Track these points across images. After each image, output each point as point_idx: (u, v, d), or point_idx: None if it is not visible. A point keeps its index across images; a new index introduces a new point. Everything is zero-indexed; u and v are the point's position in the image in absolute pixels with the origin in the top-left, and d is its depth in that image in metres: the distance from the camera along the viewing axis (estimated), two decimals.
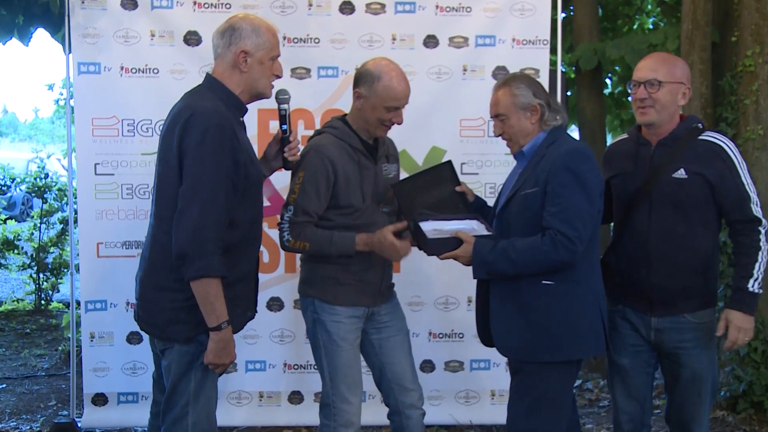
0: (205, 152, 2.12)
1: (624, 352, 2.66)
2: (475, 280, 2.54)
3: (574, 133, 5.68)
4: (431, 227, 2.53)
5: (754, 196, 2.48)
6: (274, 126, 3.61)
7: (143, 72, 3.61)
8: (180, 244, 2.12)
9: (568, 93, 5.36)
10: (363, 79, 2.59)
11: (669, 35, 4.45)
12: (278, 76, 2.39)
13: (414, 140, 3.68)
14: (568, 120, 4.94)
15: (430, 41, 3.66)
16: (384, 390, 2.80)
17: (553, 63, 3.96)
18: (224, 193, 2.15)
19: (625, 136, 2.76)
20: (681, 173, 2.47)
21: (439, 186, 2.67)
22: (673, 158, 2.48)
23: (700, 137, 2.50)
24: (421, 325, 3.77)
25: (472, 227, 2.56)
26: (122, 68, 3.60)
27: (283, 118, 2.47)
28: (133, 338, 3.71)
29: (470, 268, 2.46)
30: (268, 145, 2.60)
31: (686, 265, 2.49)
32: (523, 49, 3.66)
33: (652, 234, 2.50)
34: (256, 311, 2.52)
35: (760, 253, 2.46)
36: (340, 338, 2.65)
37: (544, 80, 3.66)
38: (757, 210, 2.47)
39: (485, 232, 2.51)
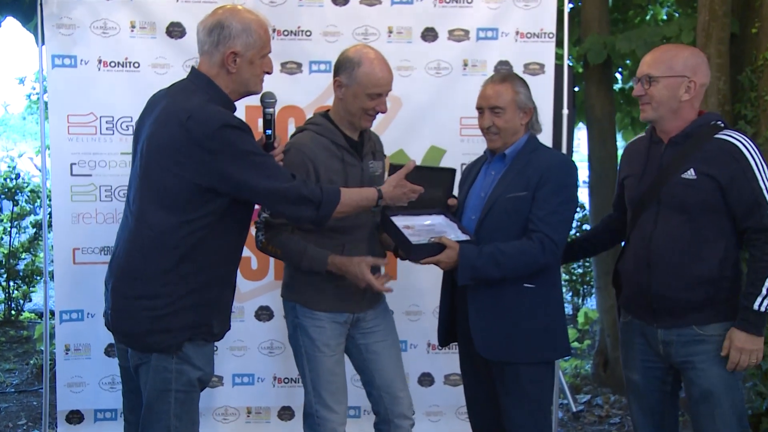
0: (232, 146, 2.19)
1: (635, 367, 2.67)
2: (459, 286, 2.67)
3: (582, 131, 5.72)
4: (402, 222, 2.63)
5: None
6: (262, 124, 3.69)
7: (123, 66, 3.65)
8: (300, 219, 2.38)
9: (576, 89, 5.39)
10: (343, 66, 2.66)
11: (684, 27, 4.47)
12: (268, 73, 2.42)
13: (411, 139, 3.72)
14: (575, 118, 4.99)
15: (429, 34, 3.70)
16: (373, 397, 2.86)
17: (559, 57, 4.00)
18: (266, 160, 2.29)
19: (643, 134, 2.76)
20: (690, 174, 2.45)
21: (432, 187, 2.72)
22: (684, 158, 2.48)
23: (716, 136, 2.47)
24: (420, 336, 3.81)
25: (440, 222, 2.69)
26: (100, 62, 3.63)
27: (268, 123, 2.49)
28: (111, 350, 3.74)
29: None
30: None
31: (692, 273, 2.46)
32: (528, 42, 3.70)
33: (655, 238, 2.51)
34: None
35: None
36: (323, 344, 2.72)
37: (549, 75, 3.72)
38: None
39: (460, 233, 2.63)
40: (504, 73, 2.75)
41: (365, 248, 2.74)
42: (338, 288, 2.70)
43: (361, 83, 2.62)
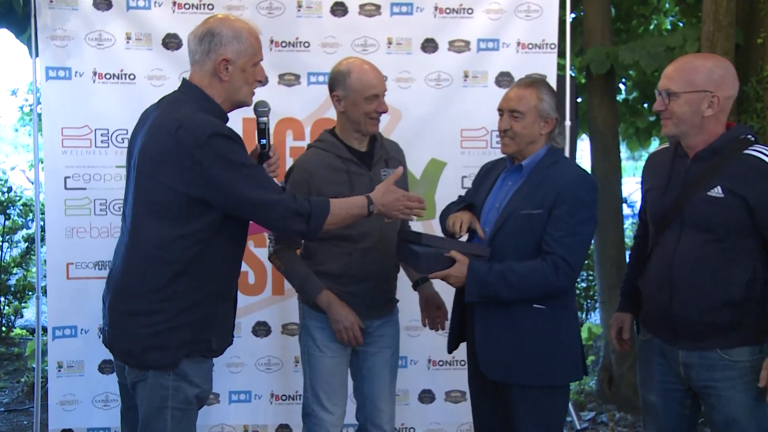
0: (221, 156, 2.20)
1: (652, 388, 2.60)
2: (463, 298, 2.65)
3: (585, 142, 5.74)
4: (416, 247, 2.59)
5: None
6: None
7: (118, 78, 3.68)
8: (289, 232, 2.45)
9: (578, 100, 5.42)
10: (336, 81, 2.78)
11: (688, 37, 4.49)
12: (261, 82, 2.44)
13: (412, 152, 3.70)
14: (578, 129, 5.01)
15: (429, 45, 3.74)
16: (358, 404, 2.96)
17: (561, 67, 4.03)
18: (257, 172, 2.30)
19: (667, 145, 2.67)
20: (717, 191, 2.36)
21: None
22: (710, 174, 2.38)
23: (746, 151, 2.37)
24: (420, 352, 3.82)
25: (455, 241, 2.64)
26: (95, 73, 3.67)
27: (263, 132, 2.52)
28: (105, 367, 3.75)
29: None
30: None
31: (715, 295, 2.38)
32: (529, 53, 3.74)
33: (677, 258, 2.43)
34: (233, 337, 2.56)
35: None
36: (324, 345, 2.82)
37: (551, 86, 3.73)
38: None
39: (479, 250, 2.58)
40: (533, 78, 2.69)
41: (375, 258, 2.80)
42: (345, 294, 2.78)
43: (356, 90, 2.73)
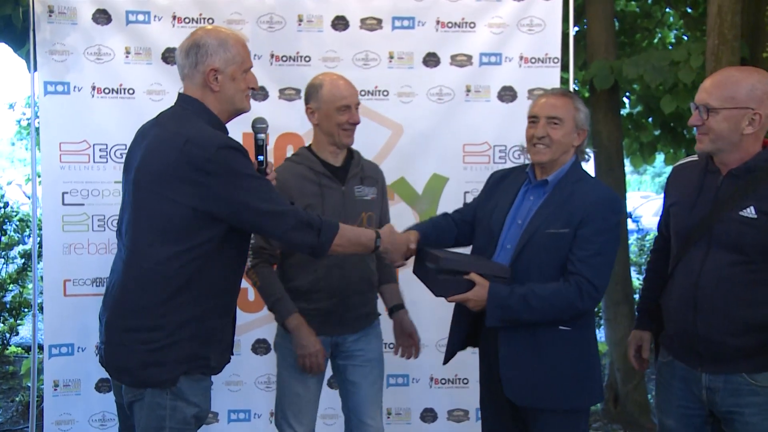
0: (232, 168, 2.21)
1: (671, 412, 2.54)
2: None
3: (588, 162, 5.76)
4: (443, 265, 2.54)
5: None
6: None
7: (117, 92, 3.71)
8: (300, 245, 2.40)
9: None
10: (309, 94, 2.91)
11: (693, 51, 4.51)
12: (253, 88, 2.44)
13: (413, 167, 3.76)
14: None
15: (431, 60, 3.77)
16: (345, 418, 3.04)
17: (564, 81, 4.06)
18: (266, 184, 2.33)
19: (695, 157, 2.59)
20: (750, 212, 2.30)
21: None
22: (743, 193, 2.33)
23: None
24: (422, 370, 3.82)
25: (475, 259, 2.62)
26: (94, 88, 3.70)
27: (260, 148, 2.54)
28: (102, 386, 3.75)
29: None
30: None
31: (744, 318, 2.32)
32: (532, 67, 3.76)
33: (703, 278, 2.36)
34: (232, 353, 2.56)
35: None
36: (292, 365, 2.90)
37: None
38: None
39: (500, 270, 2.53)
40: (563, 89, 2.65)
41: (344, 273, 2.86)
42: (316, 311, 2.86)
43: (327, 101, 2.84)
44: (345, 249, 2.48)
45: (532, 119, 2.59)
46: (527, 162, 2.69)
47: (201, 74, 2.32)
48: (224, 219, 2.25)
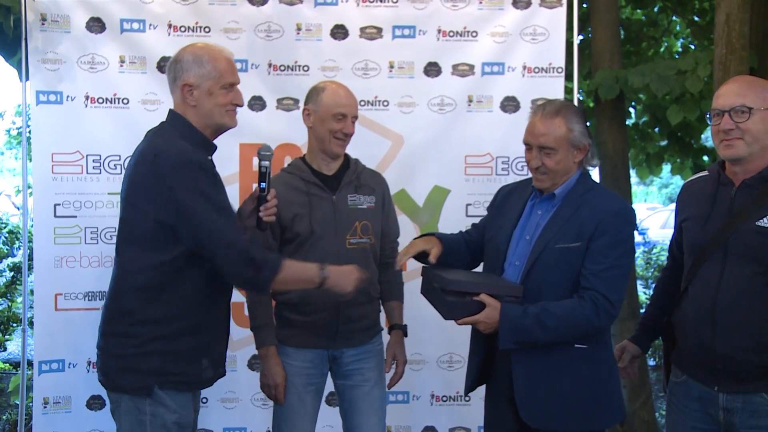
0: (193, 184, 2.29)
1: None
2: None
3: (593, 169, 5.79)
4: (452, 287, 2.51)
5: None
6: (257, 163, 3.75)
7: (111, 102, 3.73)
8: (237, 279, 2.45)
9: (587, 124, 5.48)
10: (309, 96, 2.97)
11: (700, 60, 4.53)
12: (238, 105, 2.52)
13: (414, 179, 3.78)
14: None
15: (432, 69, 3.80)
16: None
17: (569, 91, 4.08)
18: (224, 209, 2.36)
19: (705, 173, 2.60)
20: (766, 221, 2.31)
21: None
22: (759, 203, 2.34)
23: None
24: (423, 387, 3.83)
25: (485, 277, 2.61)
26: (87, 98, 3.72)
27: (263, 175, 2.62)
28: (94, 403, 3.75)
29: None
30: (244, 202, 2.73)
31: (764, 334, 2.30)
32: (535, 77, 3.79)
33: (722, 292, 2.34)
34: (224, 369, 2.62)
35: None
36: (288, 380, 2.90)
37: None
38: None
39: (511, 289, 2.50)
40: (558, 104, 2.55)
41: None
42: (310, 324, 2.89)
43: (325, 105, 2.88)
44: (288, 286, 2.58)
45: (527, 146, 2.56)
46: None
47: (178, 89, 2.45)
48: (180, 235, 2.32)
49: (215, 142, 2.55)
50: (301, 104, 3.71)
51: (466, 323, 2.50)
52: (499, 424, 2.67)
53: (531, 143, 2.53)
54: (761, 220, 2.32)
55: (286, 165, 3.66)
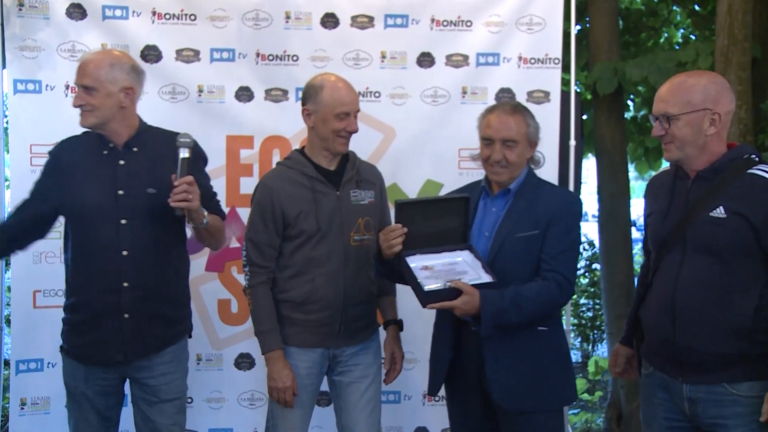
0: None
1: (656, 425, 2.65)
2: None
3: (591, 161, 5.81)
4: (420, 263, 2.71)
5: None
6: (245, 155, 3.78)
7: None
8: None
9: (584, 117, 5.49)
10: (308, 95, 2.94)
11: (701, 51, 4.56)
12: (78, 105, 2.77)
13: (406, 173, 3.80)
14: (583, 149, 5.08)
15: (425, 60, 3.82)
16: None
17: (565, 83, 4.10)
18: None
19: (668, 167, 2.74)
20: (719, 212, 2.42)
21: (447, 220, 2.80)
22: (712, 194, 2.46)
23: (750, 171, 2.45)
24: (414, 387, 3.87)
25: (463, 260, 2.73)
26: (68, 87, 3.72)
27: (183, 168, 2.68)
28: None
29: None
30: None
31: (722, 323, 2.41)
32: (531, 68, 3.82)
33: (680, 284, 2.48)
34: (123, 355, 2.79)
35: None
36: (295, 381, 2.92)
37: (555, 103, 3.83)
38: None
39: (483, 273, 2.68)
40: (513, 104, 2.88)
41: (340, 283, 2.90)
42: (313, 323, 2.92)
43: (327, 105, 2.87)
44: None
45: (486, 141, 2.77)
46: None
47: None
48: None
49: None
50: (290, 95, 3.78)
51: (442, 308, 2.67)
52: (468, 419, 2.88)
53: (493, 137, 2.75)
54: (714, 211, 2.44)
55: (276, 159, 3.72)
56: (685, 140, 2.49)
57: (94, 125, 2.76)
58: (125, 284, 2.74)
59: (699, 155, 2.51)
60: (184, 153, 2.69)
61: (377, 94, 3.81)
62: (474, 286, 2.61)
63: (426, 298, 2.63)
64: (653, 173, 3.82)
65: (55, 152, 2.87)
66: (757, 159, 2.50)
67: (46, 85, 3.71)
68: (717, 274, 2.43)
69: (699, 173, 2.52)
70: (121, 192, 2.74)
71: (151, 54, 3.72)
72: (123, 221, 2.74)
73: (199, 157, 2.92)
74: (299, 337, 2.93)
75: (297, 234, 2.87)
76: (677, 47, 6.21)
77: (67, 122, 3.67)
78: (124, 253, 2.74)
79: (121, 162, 2.78)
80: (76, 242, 2.80)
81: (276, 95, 3.79)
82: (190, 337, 3.02)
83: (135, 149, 2.80)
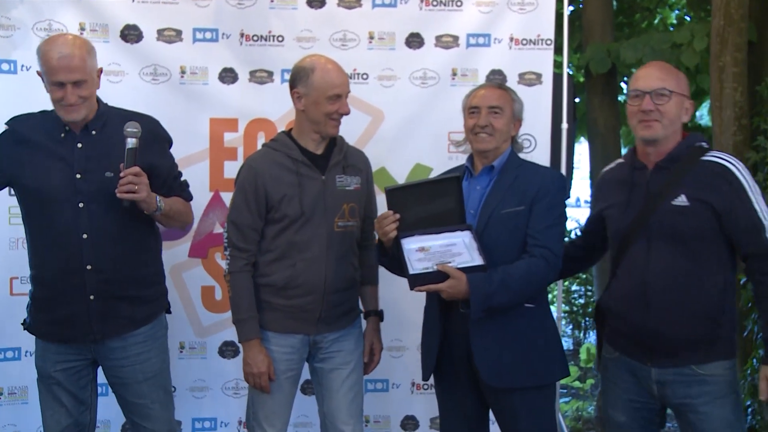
0: None
1: (620, 407, 2.77)
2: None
3: (584, 145, 5.84)
4: (416, 244, 2.74)
5: None
6: (229, 138, 3.77)
7: None
8: None
9: (577, 100, 5.51)
10: (298, 77, 2.94)
11: (696, 33, 4.58)
12: (66, 101, 2.74)
13: (394, 157, 3.80)
14: (576, 132, 5.10)
15: (414, 40, 3.81)
16: (320, 423, 3.12)
17: (558, 65, 4.11)
18: None
19: (621, 160, 2.90)
20: (682, 200, 2.55)
21: (438, 200, 2.81)
22: (673, 183, 2.58)
23: (704, 158, 2.60)
24: (403, 375, 3.89)
25: (461, 242, 2.74)
26: None
27: (130, 158, 2.70)
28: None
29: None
30: None
31: (691, 308, 2.56)
32: (523, 50, 3.81)
33: (651, 273, 2.59)
34: (92, 334, 2.81)
35: None
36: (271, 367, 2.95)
37: (547, 85, 3.82)
38: None
39: (476, 255, 2.69)
40: (498, 82, 3.01)
41: (322, 268, 2.92)
42: (294, 308, 2.94)
43: (318, 88, 2.88)
44: None
45: (473, 110, 2.86)
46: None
47: None
48: None
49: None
50: (276, 77, 3.77)
51: (429, 290, 2.71)
52: (458, 405, 2.93)
53: (479, 105, 2.84)
54: (676, 200, 2.56)
55: (261, 142, 3.70)
56: (672, 120, 2.61)
57: (81, 117, 2.76)
58: (88, 267, 2.75)
59: (671, 140, 2.63)
60: (130, 143, 2.70)
61: (365, 76, 3.80)
62: (462, 269, 2.64)
63: (412, 280, 2.66)
64: None
65: (11, 125, 2.88)
66: (707, 147, 2.65)
67: (22, 65, 3.68)
68: (684, 260, 2.56)
69: (658, 163, 2.63)
70: (78, 176, 2.75)
71: (132, 34, 3.70)
72: (81, 204, 2.74)
73: (160, 138, 2.94)
74: (279, 322, 2.95)
75: (280, 218, 2.89)
76: (672, 28, 6.22)
77: (44, 103, 3.65)
78: (84, 236, 2.75)
79: (79, 145, 2.78)
80: (35, 222, 2.82)
81: (261, 77, 3.77)
82: (169, 312, 3.05)
83: (93, 132, 2.80)
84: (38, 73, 2.82)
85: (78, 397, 2.90)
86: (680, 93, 2.62)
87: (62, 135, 2.80)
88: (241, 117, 3.78)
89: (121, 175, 2.67)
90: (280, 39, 3.76)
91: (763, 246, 2.52)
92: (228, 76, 3.77)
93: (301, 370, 3.05)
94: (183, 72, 3.75)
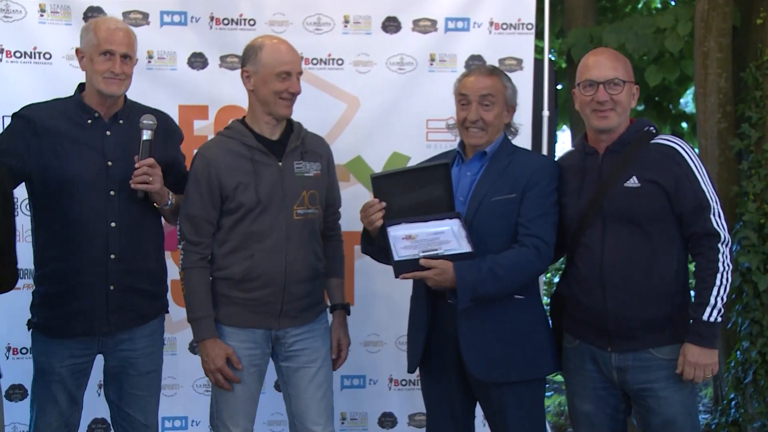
0: None
1: (585, 396, 2.83)
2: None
3: (566, 133, 5.86)
4: (403, 232, 2.74)
5: (714, 205, 2.63)
6: (199, 126, 3.75)
7: (31, 57, 3.67)
8: None
9: (558, 87, 5.52)
10: (246, 56, 2.95)
11: (680, 17, 4.58)
12: (112, 72, 2.77)
13: (371, 145, 3.80)
14: (557, 120, 5.12)
15: (391, 25, 3.80)
16: (289, 423, 3.11)
17: (539, 51, 4.12)
18: None
19: (572, 149, 2.99)
20: (633, 182, 2.66)
21: (426, 187, 2.82)
22: (624, 165, 2.68)
23: (653, 141, 2.71)
24: (380, 371, 3.89)
25: (449, 230, 2.74)
26: (2, 51, 3.65)
27: (146, 150, 2.81)
28: (14, 394, 3.73)
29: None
30: None
31: (648, 290, 2.66)
32: (503, 34, 3.82)
33: (606, 255, 2.68)
34: (108, 326, 2.85)
35: (719, 275, 2.60)
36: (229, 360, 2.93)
37: (528, 71, 3.84)
38: (717, 222, 2.62)
39: (465, 243, 2.68)
40: (489, 67, 2.98)
41: (282, 259, 2.89)
42: (253, 302, 2.92)
43: (266, 65, 2.88)
44: None
45: (462, 99, 2.85)
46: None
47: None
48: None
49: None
50: None
51: (414, 278, 2.72)
52: (445, 398, 2.93)
53: (469, 95, 2.82)
54: (628, 181, 2.67)
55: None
56: (626, 107, 2.72)
57: (121, 94, 2.86)
58: (112, 256, 2.81)
59: (619, 127, 2.74)
60: (146, 135, 2.80)
61: (340, 62, 3.79)
62: (449, 257, 2.63)
63: (398, 267, 2.66)
64: None
65: (26, 115, 2.85)
66: (654, 131, 2.76)
67: None
68: (639, 241, 2.66)
69: (609, 147, 2.74)
70: (110, 163, 2.82)
71: (95, 16, 3.63)
72: (112, 192, 2.82)
73: (174, 135, 3.06)
74: (238, 316, 2.92)
75: (236, 207, 2.87)
76: (655, 12, 6.25)
77: (2, 89, 3.62)
78: (113, 224, 2.82)
79: (108, 133, 2.85)
80: (55, 214, 2.82)
81: (232, 62, 3.74)
82: (167, 312, 3.11)
83: (121, 121, 2.89)
84: (76, 51, 2.88)
85: (74, 396, 2.90)
86: (630, 80, 2.72)
87: (89, 121, 2.84)
88: (211, 104, 3.76)
89: (137, 165, 2.76)
90: (251, 23, 3.74)
91: (706, 227, 2.62)
92: (197, 61, 3.75)
93: (266, 364, 3.02)
94: (150, 57, 3.72)
